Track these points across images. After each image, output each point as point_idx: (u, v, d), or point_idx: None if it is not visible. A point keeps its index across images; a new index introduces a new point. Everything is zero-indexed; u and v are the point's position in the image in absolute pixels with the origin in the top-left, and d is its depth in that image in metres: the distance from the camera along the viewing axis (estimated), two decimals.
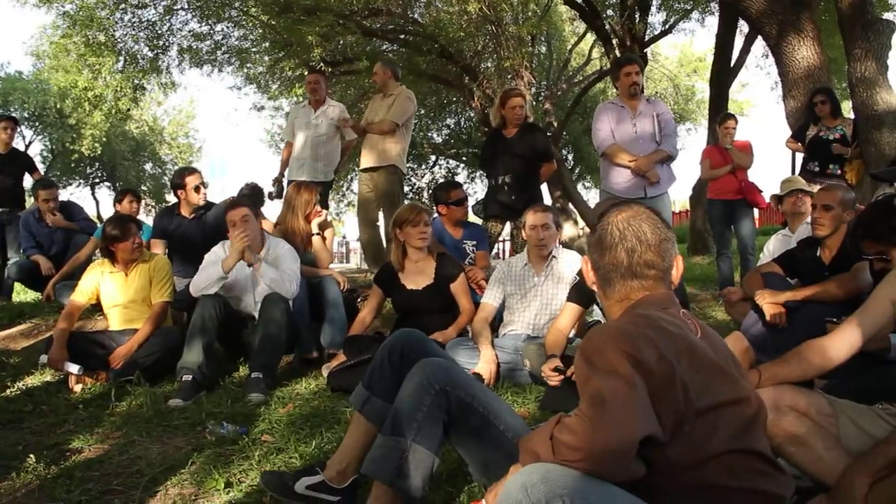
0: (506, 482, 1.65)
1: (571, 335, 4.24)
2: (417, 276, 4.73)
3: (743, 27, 13.52)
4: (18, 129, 8.19)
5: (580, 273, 4.21)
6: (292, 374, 4.64)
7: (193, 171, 5.89)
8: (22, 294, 7.83)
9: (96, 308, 5.18)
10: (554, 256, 4.59)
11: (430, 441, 2.25)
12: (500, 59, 14.51)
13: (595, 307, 4.51)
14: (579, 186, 24.65)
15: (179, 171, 6.00)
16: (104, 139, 30.27)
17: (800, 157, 7.64)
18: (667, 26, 16.28)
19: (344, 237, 37.36)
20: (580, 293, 4.15)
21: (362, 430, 2.62)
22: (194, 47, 14.62)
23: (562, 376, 3.70)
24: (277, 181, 7.42)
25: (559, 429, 1.59)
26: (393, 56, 14.74)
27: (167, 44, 14.61)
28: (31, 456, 3.29)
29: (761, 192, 7.33)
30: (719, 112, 10.39)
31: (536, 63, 18.91)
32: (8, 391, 4.51)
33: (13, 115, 9.60)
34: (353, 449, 2.63)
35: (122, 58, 14.87)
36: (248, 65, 15.79)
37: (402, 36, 14.96)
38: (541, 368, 3.87)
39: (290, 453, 3.25)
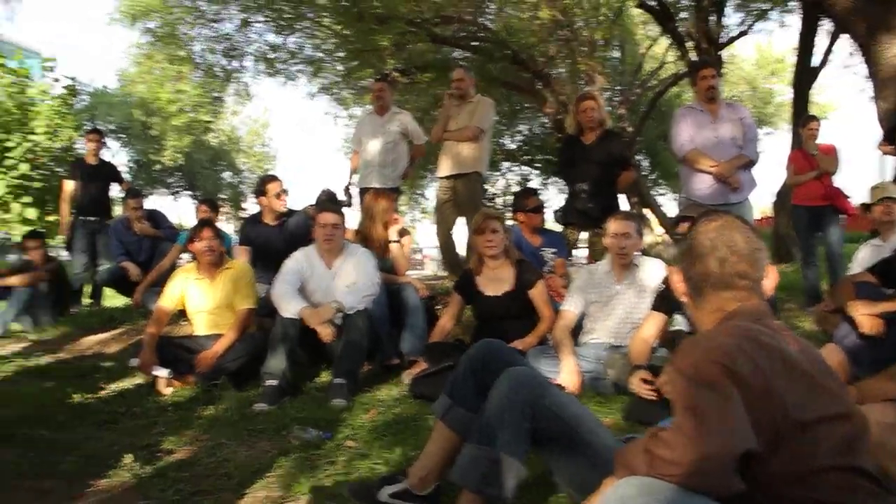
0: (601, 495, 1.65)
1: (655, 344, 4.18)
2: (496, 282, 4.74)
3: (826, 25, 13.09)
4: (105, 142, 8.52)
5: (665, 281, 4.15)
6: (374, 380, 4.69)
7: (274, 178, 6.01)
8: (112, 299, 8.10)
9: (182, 313, 5.33)
10: (636, 265, 4.54)
11: (517, 450, 2.26)
12: (572, 64, 14.43)
13: (677, 316, 4.44)
14: (655, 193, 24.32)
15: (261, 178, 6.14)
16: (185, 149, 31.22)
17: (890, 161, 7.35)
18: (744, 27, 15.89)
19: (417, 244, 37.59)
20: (665, 302, 4.10)
21: (444, 439, 2.64)
22: (269, 58, 14.93)
23: (654, 389, 3.64)
24: (346, 189, 7.52)
25: (655, 443, 1.57)
26: (464, 63, 14.79)
27: (243, 55, 14.96)
28: (128, 455, 3.42)
29: (848, 197, 7.10)
30: (801, 115, 10.11)
31: (609, 68, 18.72)
32: (102, 393, 4.69)
33: (99, 128, 9.99)
34: (435, 456, 2.65)
35: (200, 70, 15.29)
36: (323, 74, 16.04)
37: (474, 43, 14.98)
38: (628, 379, 3.83)
39: (375, 459, 3.28)
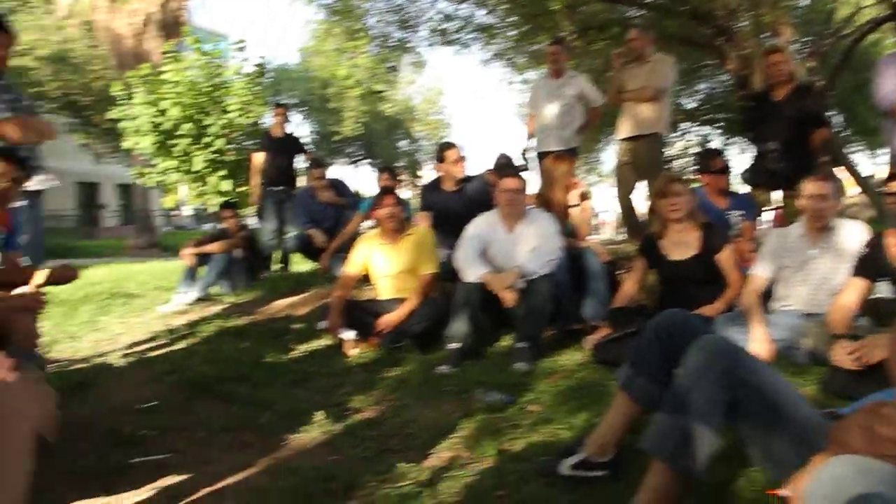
0: (814, 472, 1.52)
1: (856, 313, 3.86)
2: (681, 246, 4.55)
3: None
4: (288, 115, 8.91)
5: (870, 244, 3.83)
6: (556, 345, 4.64)
7: (452, 145, 6.04)
8: (299, 264, 8.50)
9: (367, 278, 5.49)
10: (832, 227, 4.20)
11: (711, 421, 2.14)
12: (756, 16, 13.54)
13: (880, 283, 4.08)
14: (849, 150, 22.60)
15: (440, 146, 6.19)
16: (363, 120, 32.25)
17: None
18: None
19: (593, 208, 37.01)
20: (869, 266, 3.78)
21: (626, 408, 2.58)
22: (443, 28, 15.02)
23: (862, 361, 3.34)
24: (524, 153, 7.44)
25: (877, 419, 1.43)
26: (643, 21, 14.23)
27: (416, 25, 15.13)
28: (319, 413, 3.57)
29: None
30: None
31: (797, 18, 17.43)
32: (293, 353, 4.93)
33: (283, 102, 10.46)
34: (615, 426, 2.60)
35: (375, 42, 15.63)
36: (495, 40, 15.97)
37: (650, 0, 14.38)
38: (828, 349, 3.56)
39: (558, 424, 3.25)
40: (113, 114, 13.93)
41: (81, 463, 3.19)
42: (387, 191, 5.29)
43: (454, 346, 4.41)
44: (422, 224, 5.72)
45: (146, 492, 2.90)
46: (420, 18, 14.98)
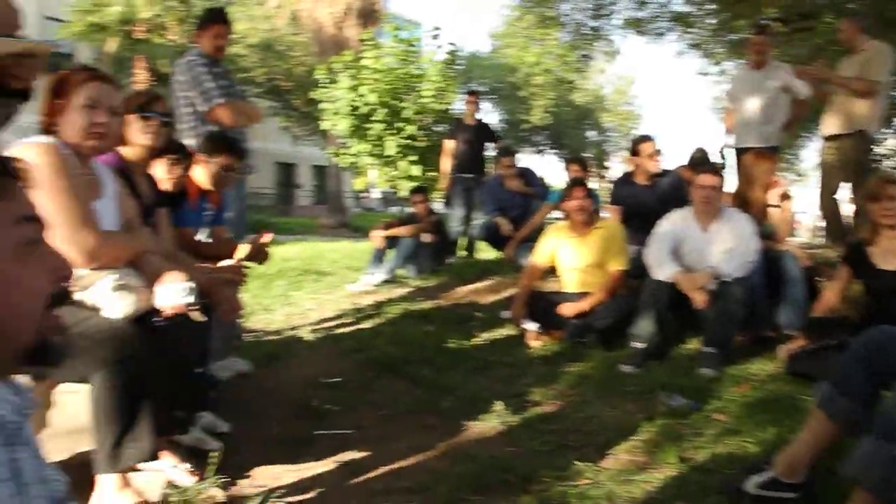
0: None
1: None
2: (893, 255, 4.16)
3: None
4: (480, 103, 8.98)
5: None
6: (746, 352, 4.39)
7: (649, 138, 5.86)
8: (485, 252, 8.56)
9: (553, 270, 5.44)
10: None
11: None
12: None
13: None
14: None
15: (635, 138, 6.03)
16: (552, 109, 32.10)
17: None
18: None
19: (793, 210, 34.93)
20: None
21: (823, 429, 2.38)
22: (637, 16, 14.63)
23: None
24: (721, 149, 7.09)
25: None
26: (857, 6, 13.16)
27: (610, 13, 14.82)
28: (499, 402, 3.57)
29: None
30: None
31: None
32: (476, 340, 4.97)
33: (476, 89, 10.56)
34: (810, 445, 2.41)
35: (567, 30, 15.46)
36: (691, 30, 15.36)
37: None
38: None
39: (745, 436, 3.07)
40: (315, 94, 14.66)
41: (269, 431, 3.37)
42: (577, 182, 5.20)
43: (639, 345, 4.29)
44: (612, 218, 5.59)
45: (328, 464, 3.02)
46: (614, 6, 14.68)
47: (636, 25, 14.74)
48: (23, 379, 1.07)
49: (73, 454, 2.65)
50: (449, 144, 8.77)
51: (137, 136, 3.04)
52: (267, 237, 3.91)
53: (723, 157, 6.93)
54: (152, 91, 3.47)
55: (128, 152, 3.08)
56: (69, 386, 2.41)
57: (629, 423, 3.31)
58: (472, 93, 9.04)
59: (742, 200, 5.19)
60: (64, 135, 2.44)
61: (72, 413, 2.40)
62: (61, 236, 2.22)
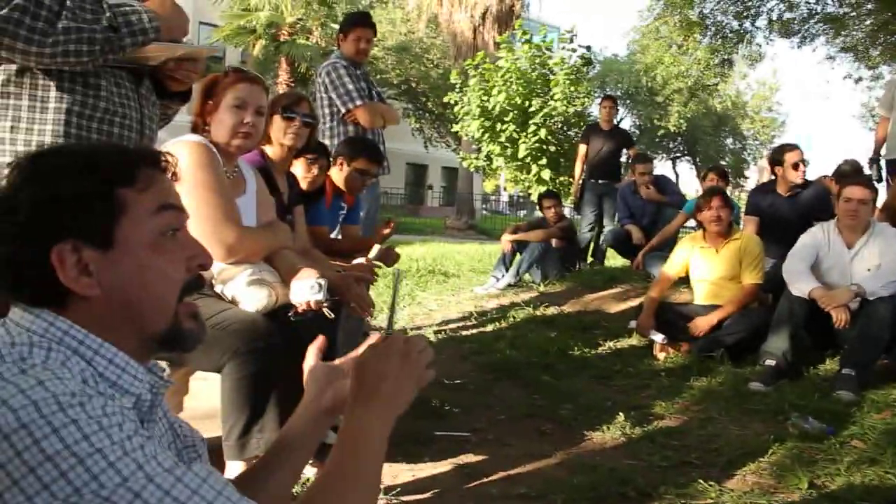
0: None
1: None
2: None
3: None
4: (617, 108, 8.82)
5: None
6: (888, 377, 4.13)
7: (794, 147, 5.61)
8: (613, 260, 8.43)
9: (683, 281, 5.31)
10: None
11: None
12: None
13: None
14: None
15: (779, 147, 5.77)
16: (688, 115, 31.25)
17: None
18: None
19: None
20: None
21: None
22: (785, 18, 14.04)
23: None
24: (874, 162, 6.68)
25: None
26: None
27: (756, 15, 14.28)
28: (620, 413, 3.52)
29: None
30: None
31: None
32: (600, 349, 4.91)
33: (612, 94, 10.36)
34: None
35: (709, 32, 15.01)
36: (844, 32, 14.59)
37: None
38: None
39: (886, 466, 2.88)
40: (448, 98, 14.86)
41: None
42: (714, 191, 5.04)
43: (770, 362, 4.10)
44: (749, 229, 5.39)
45: (445, 465, 3.05)
46: (760, 8, 14.14)
47: (784, 27, 14.14)
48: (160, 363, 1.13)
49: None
50: (582, 149, 8.67)
51: (280, 136, 3.18)
52: (390, 227, 4.02)
53: (876, 170, 6.55)
54: (298, 92, 3.62)
55: (270, 151, 3.22)
56: (204, 373, 2.54)
57: (757, 443, 3.17)
58: (607, 97, 8.90)
59: (892, 215, 4.90)
60: (213, 134, 2.58)
61: (204, 400, 2.54)
62: (204, 230, 2.34)
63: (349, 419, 1.10)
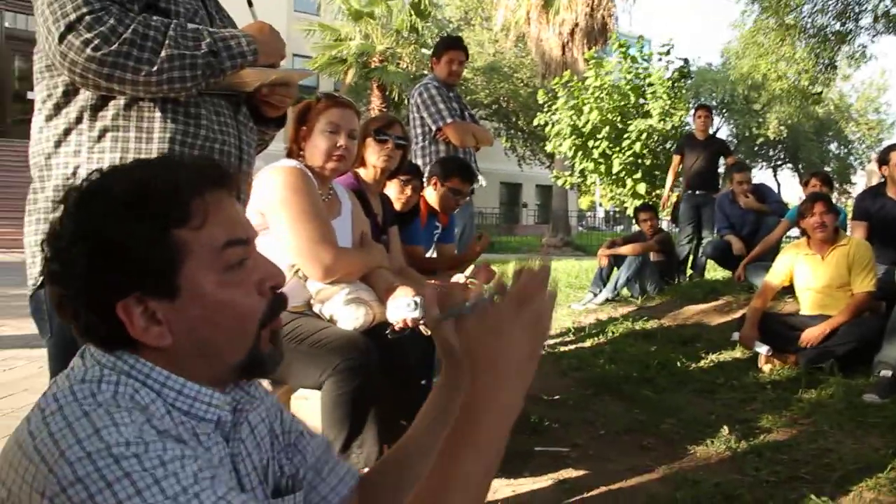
0: None
1: None
2: None
3: None
4: (712, 117, 8.64)
5: None
6: None
7: None
8: (713, 272, 8.23)
9: (787, 291, 5.14)
10: None
11: None
12: None
13: None
14: None
15: (887, 147, 5.53)
16: (788, 121, 30.31)
17: None
18: None
19: None
20: None
21: None
22: (891, 13, 13.45)
23: None
24: None
25: None
26: None
27: (859, 14, 13.74)
28: (724, 427, 3.43)
29: None
30: None
31: None
32: (702, 363, 4.79)
33: (707, 104, 10.10)
34: None
35: (807, 35, 14.54)
36: None
37: None
38: None
39: None
40: (538, 119, 14.88)
41: None
42: (817, 197, 4.87)
43: (886, 373, 3.92)
44: (857, 235, 5.18)
45: (545, 480, 3.03)
46: (864, 5, 13.59)
47: (890, 23, 13.56)
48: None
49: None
50: (675, 160, 8.53)
51: (373, 158, 3.25)
52: (483, 242, 4.05)
53: None
54: (390, 115, 3.71)
55: (364, 173, 3.30)
56: (304, 392, 2.61)
57: (873, 458, 3.03)
58: (702, 107, 8.73)
59: None
60: (308, 158, 2.67)
61: (305, 418, 2.59)
62: (301, 251, 2.42)
63: (466, 395, 0.95)
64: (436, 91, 4.63)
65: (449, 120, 4.55)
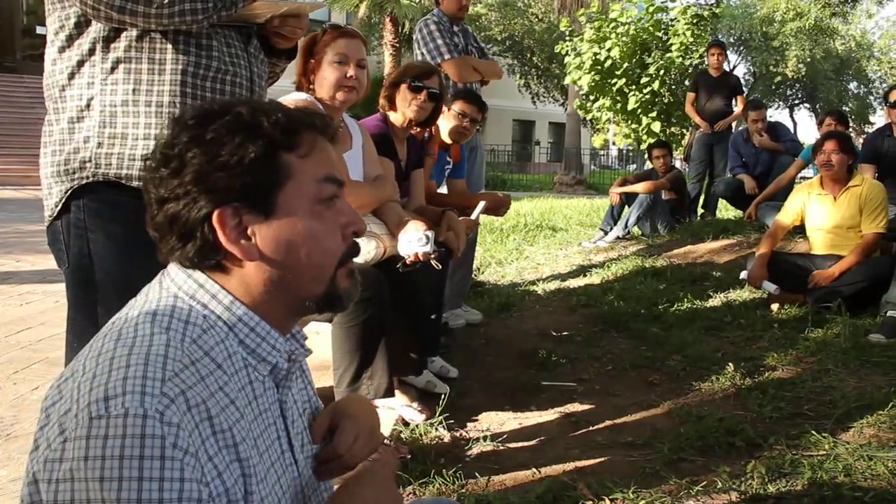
0: None
1: None
2: None
3: None
4: (726, 54, 8.45)
5: None
6: None
7: None
8: (725, 211, 8.20)
9: (797, 230, 5.13)
10: None
11: None
12: None
13: None
14: None
15: (892, 86, 5.46)
16: (808, 59, 29.73)
17: None
18: None
19: None
20: None
21: None
22: None
23: None
24: None
25: None
26: None
27: None
28: (730, 364, 3.47)
29: None
30: None
31: None
32: (711, 301, 4.81)
33: (721, 40, 9.85)
34: None
35: None
36: None
37: None
38: None
39: None
40: (559, 48, 14.67)
41: (497, 378, 3.52)
42: (831, 136, 4.81)
43: (893, 313, 3.93)
44: (866, 175, 5.13)
45: (551, 414, 3.10)
46: None
47: None
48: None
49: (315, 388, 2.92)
50: (690, 97, 8.40)
51: (403, 106, 3.24)
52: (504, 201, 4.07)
53: None
54: (430, 65, 3.67)
55: (393, 116, 3.29)
56: (316, 326, 2.66)
57: (875, 396, 3.06)
58: (716, 44, 8.55)
59: None
60: (317, 90, 2.67)
61: (317, 352, 2.64)
62: None
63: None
64: (435, 26, 4.54)
65: (447, 56, 4.48)
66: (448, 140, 3.98)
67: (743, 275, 4.88)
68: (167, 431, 0.79)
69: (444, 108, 3.91)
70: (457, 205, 3.73)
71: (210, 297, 0.97)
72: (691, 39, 13.16)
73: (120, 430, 0.78)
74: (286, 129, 0.99)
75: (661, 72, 13.12)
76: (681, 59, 13.11)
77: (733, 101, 8.19)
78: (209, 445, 0.85)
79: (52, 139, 1.68)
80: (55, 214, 1.67)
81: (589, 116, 15.22)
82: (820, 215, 4.72)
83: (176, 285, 0.98)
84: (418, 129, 3.50)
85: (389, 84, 3.30)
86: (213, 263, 0.97)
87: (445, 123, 3.92)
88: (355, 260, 2.33)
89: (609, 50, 13.35)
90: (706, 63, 8.90)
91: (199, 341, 0.91)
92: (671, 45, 13.19)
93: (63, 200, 1.64)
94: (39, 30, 18.39)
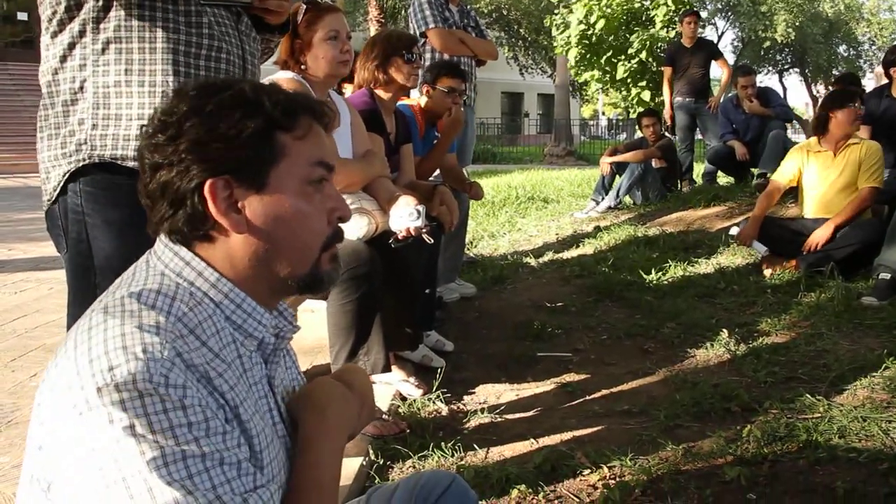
0: None
1: None
2: None
3: None
4: (712, 21, 8.35)
5: None
6: None
7: None
8: (723, 179, 8.15)
9: (789, 194, 5.13)
10: None
11: None
12: None
13: None
14: None
15: (893, 46, 5.43)
16: (797, 23, 29.63)
17: None
18: None
19: None
20: None
21: None
22: None
23: None
24: None
25: None
26: None
27: None
28: (724, 330, 3.49)
29: None
30: None
31: None
32: (704, 268, 4.82)
33: (696, 9, 9.73)
34: None
35: None
36: None
37: None
38: None
39: None
40: (548, 21, 14.64)
41: (492, 350, 3.54)
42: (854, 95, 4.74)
43: (885, 275, 3.93)
44: (864, 135, 5.09)
45: (548, 384, 3.12)
46: None
47: None
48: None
49: (311, 366, 2.95)
50: (668, 72, 8.27)
51: (400, 77, 3.25)
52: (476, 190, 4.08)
53: None
54: (409, 34, 3.68)
55: (381, 92, 3.28)
56: (311, 304, 2.66)
57: (869, 358, 3.08)
58: (690, 12, 8.46)
59: None
60: (313, 69, 2.66)
61: (313, 331, 2.65)
62: None
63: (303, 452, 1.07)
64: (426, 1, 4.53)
65: (432, 25, 4.45)
66: (436, 113, 3.95)
67: (733, 230, 4.87)
68: (175, 390, 0.83)
69: (427, 88, 3.89)
70: (446, 180, 3.73)
71: (196, 274, 0.98)
72: (673, 9, 13.08)
73: (136, 392, 0.81)
74: (286, 110, 1.01)
75: (647, 44, 13.08)
76: (665, 30, 13.06)
77: (711, 67, 8.11)
78: (210, 402, 0.88)
79: (47, 123, 1.67)
80: (53, 199, 1.66)
81: (581, 80, 15.24)
82: (817, 174, 4.68)
83: (163, 263, 0.99)
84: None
85: (380, 61, 3.28)
86: (200, 234, 0.99)
87: (431, 101, 3.89)
88: (348, 236, 2.34)
89: (594, 24, 13.31)
90: (679, 32, 8.79)
91: (185, 318, 0.92)
92: (655, 17, 13.13)
93: (61, 185, 1.63)
94: (21, 16, 18.19)
